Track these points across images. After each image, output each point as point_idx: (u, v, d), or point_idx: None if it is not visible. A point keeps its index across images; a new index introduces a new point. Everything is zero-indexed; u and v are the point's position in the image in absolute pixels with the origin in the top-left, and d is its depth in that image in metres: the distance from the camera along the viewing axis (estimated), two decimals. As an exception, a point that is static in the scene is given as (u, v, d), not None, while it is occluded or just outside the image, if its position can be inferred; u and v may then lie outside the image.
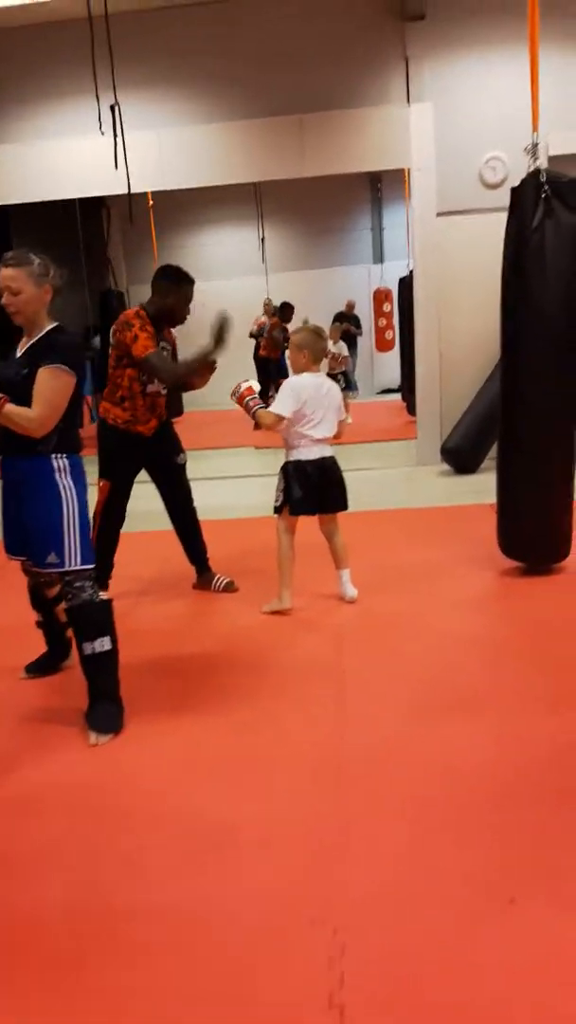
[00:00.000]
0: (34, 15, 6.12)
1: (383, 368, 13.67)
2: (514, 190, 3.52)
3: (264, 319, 10.96)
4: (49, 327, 2.60)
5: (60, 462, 2.62)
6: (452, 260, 6.53)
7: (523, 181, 3.43)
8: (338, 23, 6.30)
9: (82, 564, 2.61)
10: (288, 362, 3.58)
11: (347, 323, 13.04)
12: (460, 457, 6.51)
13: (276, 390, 9.79)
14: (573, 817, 2.03)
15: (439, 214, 6.53)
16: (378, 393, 13.82)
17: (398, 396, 11.29)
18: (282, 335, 10.03)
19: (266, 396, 10.32)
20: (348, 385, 10.12)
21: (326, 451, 3.54)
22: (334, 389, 3.57)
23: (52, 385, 2.51)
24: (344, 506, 3.65)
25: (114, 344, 3.57)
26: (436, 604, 3.60)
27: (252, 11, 6.33)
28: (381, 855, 1.94)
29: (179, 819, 2.14)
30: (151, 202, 11.03)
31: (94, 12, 5.23)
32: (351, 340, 13.01)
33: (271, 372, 10.10)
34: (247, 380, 3.58)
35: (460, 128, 6.36)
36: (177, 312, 3.61)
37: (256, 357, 10.63)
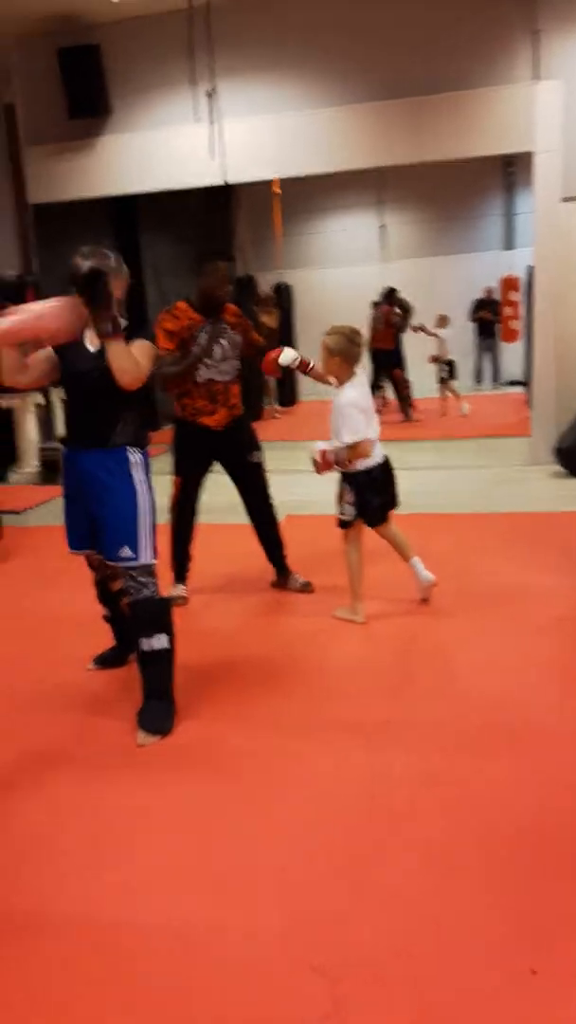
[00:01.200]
0: (146, 6, 6.20)
1: (509, 359, 13.13)
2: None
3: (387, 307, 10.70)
4: (124, 323, 2.59)
5: (135, 456, 2.66)
6: (576, 247, 6.15)
7: None
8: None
9: (152, 559, 2.66)
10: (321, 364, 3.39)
11: (485, 310, 12.59)
12: (573, 459, 6.12)
13: (391, 380, 9.67)
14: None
15: (565, 199, 6.14)
16: (504, 384, 13.30)
17: (523, 389, 10.80)
18: (399, 320, 9.75)
19: (374, 390, 10.18)
20: (452, 374, 9.74)
21: (382, 449, 3.42)
22: (367, 384, 3.48)
23: (145, 351, 2.58)
24: (397, 503, 3.53)
25: None
26: (513, 623, 3.38)
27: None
28: (396, 905, 1.82)
29: (192, 843, 2.09)
30: (277, 190, 11.03)
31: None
32: (489, 328, 12.54)
33: (385, 362, 9.86)
34: (315, 448, 3.30)
35: (593, 107, 5.94)
36: (215, 292, 3.51)
37: (369, 348, 10.42)
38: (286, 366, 3.51)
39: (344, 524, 3.45)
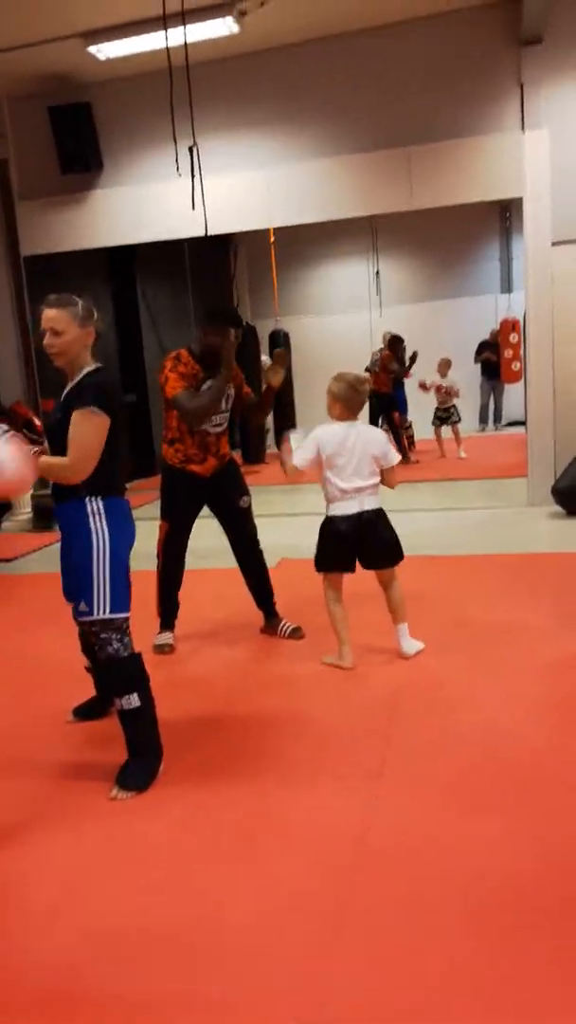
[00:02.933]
0: (133, 66, 6.36)
1: (510, 400, 13.19)
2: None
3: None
4: (88, 368, 2.57)
5: (94, 505, 2.53)
6: (568, 290, 6.20)
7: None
8: (449, 51, 6.15)
9: (110, 613, 2.51)
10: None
11: (488, 351, 12.66)
12: (572, 498, 6.09)
13: (387, 424, 9.73)
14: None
15: (554, 243, 6.21)
16: (505, 425, 13.33)
17: (523, 429, 10.82)
18: (398, 368, 9.84)
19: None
20: (457, 417, 9.80)
21: (367, 504, 3.32)
22: (369, 435, 3.36)
23: (83, 429, 2.46)
24: (393, 563, 3.41)
25: (160, 387, 3.55)
26: (508, 668, 3.30)
27: (358, 45, 6.30)
28: (380, 959, 1.73)
29: (165, 900, 2.00)
30: (272, 238, 11.22)
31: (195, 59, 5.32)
32: (493, 369, 12.61)
33: (383, 406, 9.92)
34: (293, 432, 3.42)
35: (577, 154, 6.04)
36: (218, 351, 3.49)
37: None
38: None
39: (316, 567, 3.42)
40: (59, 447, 2.53)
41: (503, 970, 1.69)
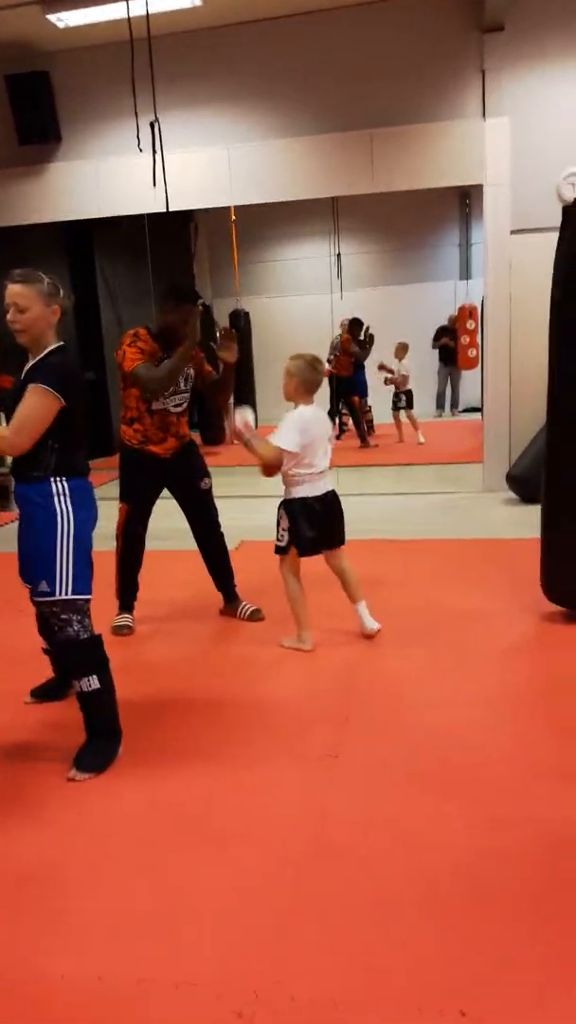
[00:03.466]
0: (92, 36, 6.22)
1: (467, 386, 13.31)
2: (565, 209, 3.29)
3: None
4: (51, 347, 2.54)
5: (59, 486, 2.52)
6: (526, 279, 6.25)
7: None
8: (412, 35, 6.13)
9: (72, 594, 2.50)
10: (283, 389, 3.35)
11: (446, 337, 12.74)
12: (526, 485, 6.19)
13: (344, 407, 9.77)
14: (544, 926, 1.80)
15: (513, 231, 6.27)
16: (462, 411, 13.47)
17: (480, 415, 10.95)
18: (359, 351, 9.86)
19: (335, 415, 10.25)
20: (409, 403, 9.88)
21: (329, 484, 3.39)
22: (323, 415, 3.42)
23: (30, 403, 2.43)
24: (343, 539, 3.48)
25: (118, 365, 3.51)
26: (461, 652, 3.37)
27: (323, 25, 6.24)
28: (329, 948, 1.76)
29: (121, 887, 2.01)
30: (233, 217, 11.12)
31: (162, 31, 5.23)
32: (451, 355, 12.69)
33: (343, 389, 9.95)
34: (244, 410, 3.26)
35: (538, 143, 6.09)
36: (177, 330, 3.47)
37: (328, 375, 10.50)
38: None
39: (279, 550, 3.41)
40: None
41: (454, 950, 1.74)
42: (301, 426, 3.23)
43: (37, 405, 2.43)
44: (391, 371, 9.71)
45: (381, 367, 9.85)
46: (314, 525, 3.34)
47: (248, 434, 3.21)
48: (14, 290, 2.49)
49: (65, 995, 1.67)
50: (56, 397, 2.44)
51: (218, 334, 3.48)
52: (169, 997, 1.64)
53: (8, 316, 2.51)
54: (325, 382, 10.65)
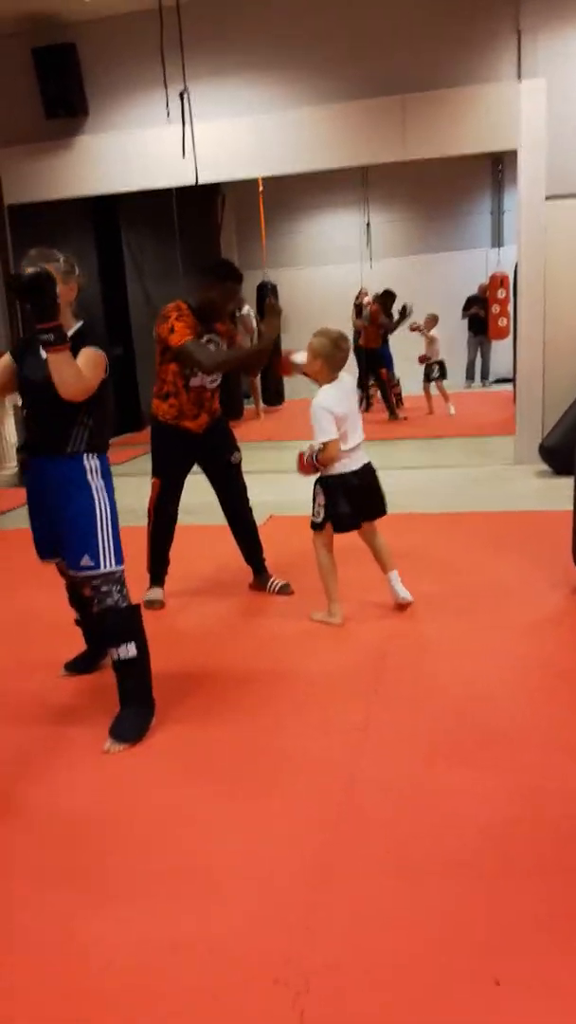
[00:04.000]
0: (118, 6, 6.15)
1: (498, 356, 13.13)
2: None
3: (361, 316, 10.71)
4: (76, 326, 2.55)
5: (92, 463, 2.59)
6: (561, 245, 6.14)
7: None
8: (444, -4, 5.98)
9: (116, 566, 2.58)
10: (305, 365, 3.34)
11: (476, 307, 12.55)
12: (559, 457, 6.11)
13: (375, 380, 9.67)
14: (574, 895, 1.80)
15: (548, 197, 6.13)
16: (493, 382, 13.30)
17: (511, 386, 10.81)
18: (387, 322, 9.74)
19: (366, 387, 10.15)
20: (443, 374, 9.73)
21: (364, 457, 3.37)
22: (352, 387, 3.44)
23: (90, 359, 2.47)
24: (384, 510, 3.47)
25: (156, 339, 3.50)
26: (492, 625, 3.35)
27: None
28: (362, 915, 1.78)
29: (155, 854, 2.04)
30: (261, 188, 10.99)
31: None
32: (481, 324, 12.51)
33: (372, 362, 9.85)
34: (300, 354, 3.34)
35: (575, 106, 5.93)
36: (219, 307, 3.48)
37: (355, 347, 10.40)
38: (299, 364, 3.37)
39: (315, 526, 3.41)
40: (50, 405, 2.50)
41: (486, 918, 1.75)
42: (331, 412, 3.21)
43: (95, 361, 2.48)
44: (426, 333, 9.53)
45: (413, 327, 9.67)
46: (352, 500, 3.33)
47: (309, 458, 3.27)
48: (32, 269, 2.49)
49: (100, 959, 1.71)
50: (105, 358, 2.51)
51: (256, 309, 3.51)
52: (204, 963, 1.68)
53: None
54: (352, 356, 10.59)
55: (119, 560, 2.60)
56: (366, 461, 3.38)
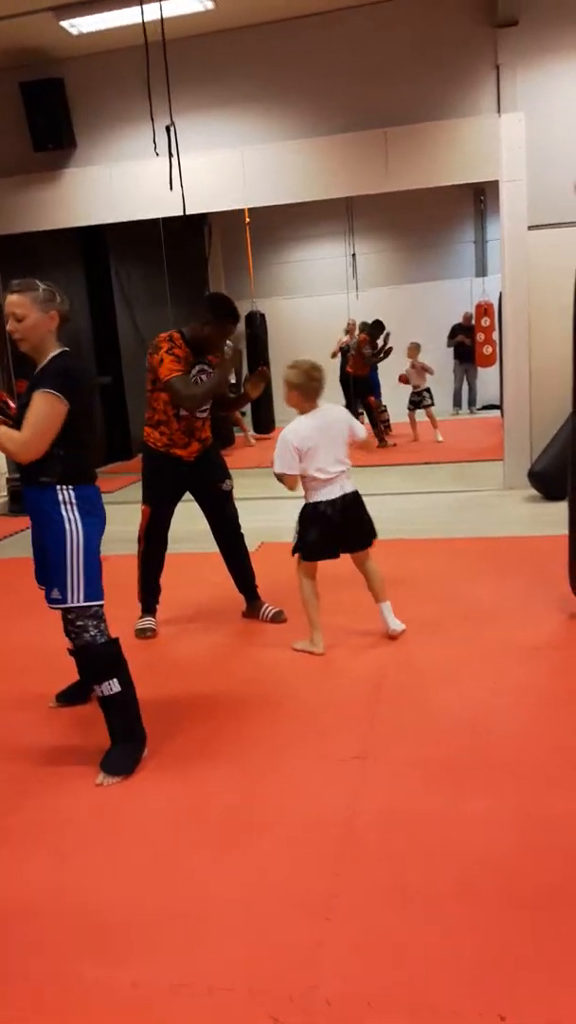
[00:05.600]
0: (106, 42, 6.24)
1: (484, 384, 13.26)
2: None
3: (347, 338, 10.83)
4: (54, 353, 2.54)
5: (65, 494, 2.51)
6: (544, 274, 6.20)
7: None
8: (425, 32, 6.10)
9: (85, 601, 2.50)
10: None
11: (462, 335, 12.70)
12: (548, 482, 6.14)
13: (363, 407, 9.72)
14: (591, 921, 1.77)
15: (531, 227, 6.22)
16: (480, 409, 13.41)
17: (498, 413, 10.89)
18: (372, 352, 9.83)
19: (354, 414, 10.19)
20: (431, 401, 9.81)
21: (347, 487, 3.35)
22: (335, 415, 3.38)
23: (37, 409, 2.43)
24: (370, 542, 3.44)
25: (148, 367, 3.51)
26: (488, 650, 3.33)
27: (335, 25, 6.23)
28: (364, 949, 1.74)
29: (151, 890, 2.00)
30: (247, 219, 11.13)
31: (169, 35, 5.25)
32: (467, 353, 12.63)
33: (358, 390, 9.92)
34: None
35: (554, 138, 6.05)
36: (211, 343, 3.51)
37: (342, 376, 10.47)
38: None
39: (294, 551, 3.41)
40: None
41: (492, 951, 1.71)
42: (290, 446, 3.23)
43: (45, 412, 2.43)
44: (414, 364, 9.63)
45: (402, 379, 9.80)
46: (323, 530, 3.31)
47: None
48: (11, 300, 2.51)
49: (100, 1002, 1.66)
50: (61, 400, 2.43)
51: (257, 370, 3.61)
52: (204, 1003, 1.63)
53: (8, 326, 2.53)
54: (338, 383, 10.62)
55: (92, 596, 2.52)
56: (348, 491, 3.35)
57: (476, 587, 4.13)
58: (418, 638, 3.48)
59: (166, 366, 3.40)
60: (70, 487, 2.52)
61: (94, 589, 2.52)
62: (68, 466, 2.50)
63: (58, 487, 2.50)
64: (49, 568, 2.52)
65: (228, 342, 3.74)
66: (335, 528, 3.32)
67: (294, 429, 3.27)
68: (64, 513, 2.50)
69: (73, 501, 2.52)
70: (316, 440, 3.26)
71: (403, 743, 2.63)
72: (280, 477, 3.30)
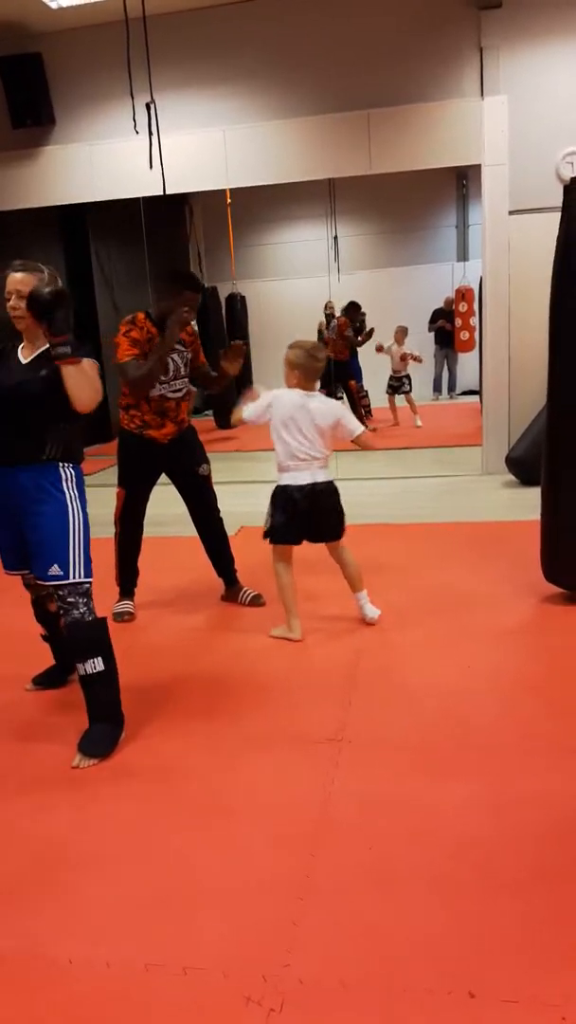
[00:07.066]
0: (86, 16, 6.14)
1: (464, 369, 13.28)
2: (566, 188, 3.26)
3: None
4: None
5: (67, 471, 2.59)
6: (524, 260, 6.21)
7: (573, 179, 3.16)
8: (408, 14, 6.05)
9: (84, 577, 2.55)
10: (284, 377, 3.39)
11: (443, 320, 12.68)
12: (525, 467, 6.18)
13: (344, 392, 9.73)
14: (553, 904, 1.80)
15: (511, 212, 6.22)
16: (459, 394, 13.44)
17: (478, 398, 10.93)
18: (355, 335, 9.82)
19: (334, 398, 10.20)
20: (409, 387, 9.86)
21: (319, 476, 3.33)
22: (326, 408, 3.34)
23: (95, 370, 2.54)
24: (338, 536, 3.42)
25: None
26: (463, 634, 3.37)
27: (318, 4, 6.16)
28: (337, 930, 1.77)
29: (128, 872, 2.01)
30: (229, 200, 11.03)
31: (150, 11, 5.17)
32: (447, 337, 12.63)
33: (338, 374, 9.90)
34: (261, 389, 3.39)
35: (537, 122, 6.03)
36: (171, 315, 3.44)
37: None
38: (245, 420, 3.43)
39: (265, 535, 3.41)
40: (34, 406, 2.49)
41: (467, 934, 1.74)
42: (269, 402, 3.27)
43: (96, 369, 2.54)
44: (405, 355, 9.68)
45: (379, 349, 9.82)
46: (290, 515, 3.31)
47: (245, 401, 3.38)
48: (16, 278, 2.54)
49: (74, 981, 1.67)
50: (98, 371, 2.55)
51: (230, 344, 3.55)
52: (177, 982, 1.65)
53: (10, 303, 2.56)
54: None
55: (88, 573, 2.57)
56: (320, 480, 3.32)
57: (453, 572, 4.16)
58: (394, 622, 3.50)
59: (120, 349, 3.40)
60: (70, 465, 2.59)
61: (89, 567, 2.58)
62: (69, 445, 2.58)
63: (60, 465, 2.56)
64: (45, 545, 2.53)
65: (235, 341, 3.68)
66: (300, 514, 3.31)
67: (280, 392, 3.30)
68: (66, 490, 2.56)
69: (73, 478, 2.59)
70: (291, 414, 3.25)
71: (379, 727, 2.65)
72: (235, 416, 3.37)
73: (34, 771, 2.50)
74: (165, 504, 3.96)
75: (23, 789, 2.41)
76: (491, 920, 1.76)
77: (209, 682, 3.08)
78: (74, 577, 2.53)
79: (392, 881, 1.91)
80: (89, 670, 2.56)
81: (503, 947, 1.69)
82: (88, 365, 2.51)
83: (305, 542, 3.42)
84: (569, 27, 5.84)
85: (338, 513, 3.41)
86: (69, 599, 2.55)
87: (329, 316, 10.56)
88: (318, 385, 3.39)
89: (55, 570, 2.53)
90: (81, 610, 2.55)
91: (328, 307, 10.74)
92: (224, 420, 9.82)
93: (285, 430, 3.27)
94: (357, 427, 3.40)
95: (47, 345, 2.52)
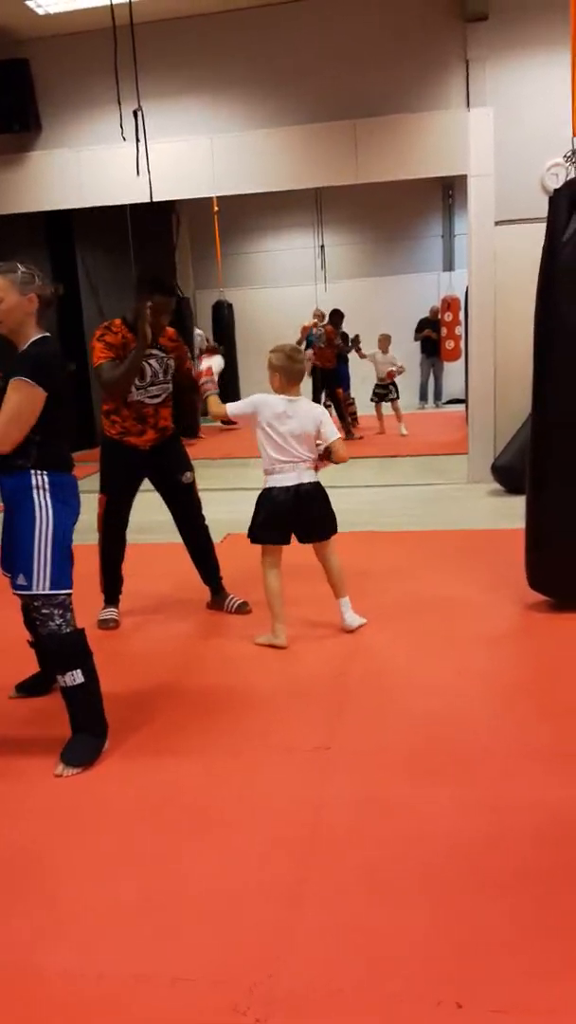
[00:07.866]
0: (73, 23, 6.15)
1: (449, 378, 13.36)
2: (551, 199, 3.29)
3: (311, 322, 10.79)
4: (35, 338, 2.51)
5: (40, 479, 2.49)
6: (510, 270, 6.26)
7: (557, 191, 3.19)
8: (395, 25, 6.11)
9: (51, 589, 2.47)
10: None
11: (428, 329, 12.74)
12: (511, 476, 6.21)
13: (331, 399, 9.74)
14: (542, 911, 1.80)
15: (497, 223, 6.26)
16: (445, 403, 13.51)
17: (463, 407, 10.98)
18: (343, 342, 9.85)
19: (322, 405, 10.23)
20: (396, 394, 9.88)
21: (305, 476, 3.33)
22: (310, 412, 3.35)
23: (12, 397, 2.40)
24: (327, 535, 3.42)
25: None
26: (450, 640, 3.37)
27: (307, 14, 6.20)
28: (326, 939, 1.75)
29: (115, 881, 1.99)
30: (216, 208, 11.05)
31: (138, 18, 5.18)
32: (433, 346, 12.69)
33: (327, 381, 9.93)
34: (214, 358, 3.45)
35: (522, 134, 6.08)
36: (143, 318, 3.40)
37: (311, 367, 10.47)
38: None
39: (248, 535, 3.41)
40: None
41: (459, 938, 1.73)
42: (253, 402, 3.31)
43: (20, 400, 2.41)
44: (391, 372, 9.71)
45: (358, 352, 9.86)
46: (271, 514, 3.32)
47: (208, 385, 3.50)
48: None
49: (64, 993, 1.65)
50: (36, 388, 2.41)
51: (212, 337, 3.53)
52: (167, 993, 1.63)
53: None
54: (307, 374, 10.62)
55: (60, 584, 2.49)
56: (306, 481, 3.32)
57: (439, 579, 4.17)
58: (381, 629, 3.50)
59: (95, 354, 3.41)
60: (44, 472, 2.49)
61: (62, 577, 2.49)
62: (43, 451, 2.48)
63: (32, 471, 2.48)
64: (13, 554, 2.49)
65: (209, 342, 3.68)
66: (284, 514, 3.31)
67: (264, 397, 3.32)
68: (36, 498, 2.47)
69: (46, 486, 2.49)
70: (275, 418, 3.27)
71: (367, 733, 2.65)
72: (217, 410, 3.43)
73: (16, 781, 2.47)
74: (150, 511, 3.94)
75: (5, 798, 2.38)
76: (482, 927, 1.76)
77: (194, 690, 3.06)
78: (39, 588, 2.46)
79: (381, 888, 1.90)
80: (69, 682, 2.52)
81: (494, 955, 1.68)
82: (9, 396, 2.39)
83: (296, 545, 3.41)
84: (554, 39, 5.89)
85: (326, 512, 3.41)
86: (44, 610, 2.50)
87: (312, 327, 10.56)
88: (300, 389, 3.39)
89: (21, 580, 2.48)
90: (57, 622, 2.50)
91: (316, 314, 10.74)
92: (191, 430, 9.72)
93: (269, 434, 3.28)
94: (333, 433, 3.41)
95: (19, 352, 2.49)
